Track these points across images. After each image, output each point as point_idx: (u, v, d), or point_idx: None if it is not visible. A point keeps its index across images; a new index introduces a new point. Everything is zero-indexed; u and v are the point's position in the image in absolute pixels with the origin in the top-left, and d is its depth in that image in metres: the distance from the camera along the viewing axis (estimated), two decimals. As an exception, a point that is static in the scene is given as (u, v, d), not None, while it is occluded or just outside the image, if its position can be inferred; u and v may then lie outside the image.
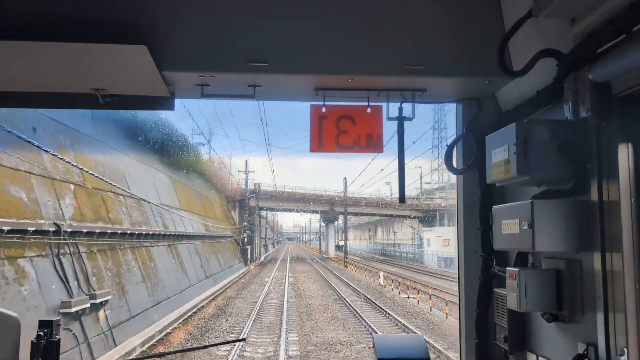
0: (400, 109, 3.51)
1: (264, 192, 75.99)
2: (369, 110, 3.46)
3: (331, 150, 3.46)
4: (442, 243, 64.45)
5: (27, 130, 15.23)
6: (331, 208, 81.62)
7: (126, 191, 23.27)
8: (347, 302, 28.34)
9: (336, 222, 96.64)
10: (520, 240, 2.71)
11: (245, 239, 63.26)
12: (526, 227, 2.63)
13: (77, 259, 16.24)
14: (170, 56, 3.00)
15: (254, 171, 67.61)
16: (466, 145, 3.61)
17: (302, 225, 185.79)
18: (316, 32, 3.10)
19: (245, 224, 64.54)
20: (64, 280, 15.10)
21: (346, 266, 64.71)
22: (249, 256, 61.60)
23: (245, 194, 67.81)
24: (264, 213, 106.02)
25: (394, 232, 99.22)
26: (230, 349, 16.69)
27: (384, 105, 3.48)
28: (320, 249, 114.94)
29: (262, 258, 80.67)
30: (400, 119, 3.53)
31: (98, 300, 16.10)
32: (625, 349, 2.31)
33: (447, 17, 3.15)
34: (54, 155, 16.63)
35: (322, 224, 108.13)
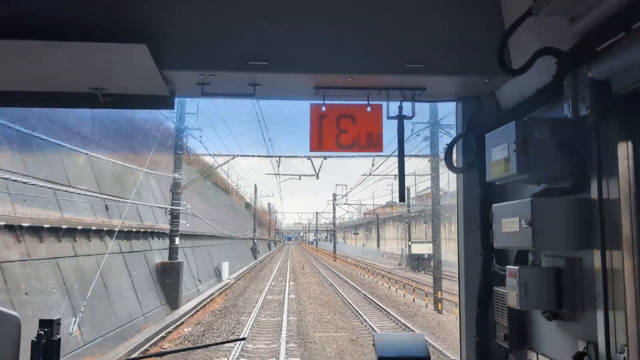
0: (400, 108, 3.51)
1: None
2: (369, 109, 3.46)
3: (331, 149, 3.46)
4: None
5: None
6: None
7: None
8: None
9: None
10: (520, 239, 2.71)
11: None
12: (526, 226, 2.63)
13: None
14: (170, 55, 3.00)
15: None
16: (466, 143, 3.62)
17: (304, 223, 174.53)
18: (316, 30, 3.10)
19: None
20: None
21: None
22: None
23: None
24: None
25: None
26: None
27: (384, 104, 3.49)
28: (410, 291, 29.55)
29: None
30: (400, 118, 3.53)
31: None
32: (626, 347, 2.31)
33: (447, 16, 3.15)
34: None
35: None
